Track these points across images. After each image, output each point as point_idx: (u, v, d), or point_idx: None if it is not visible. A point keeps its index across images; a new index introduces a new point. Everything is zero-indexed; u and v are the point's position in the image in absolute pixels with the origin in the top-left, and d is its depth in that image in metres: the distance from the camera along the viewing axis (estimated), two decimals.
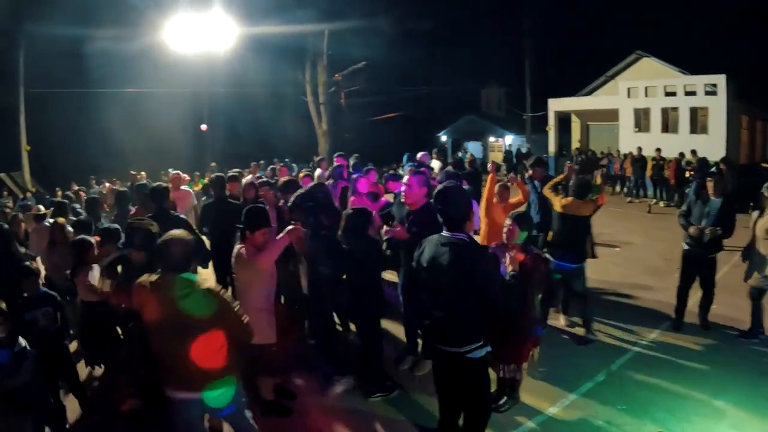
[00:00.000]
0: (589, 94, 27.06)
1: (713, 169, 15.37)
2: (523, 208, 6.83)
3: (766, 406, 4.49)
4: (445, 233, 3.38)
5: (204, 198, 10.07)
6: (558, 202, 6.02)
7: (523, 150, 27.04)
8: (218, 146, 24.64)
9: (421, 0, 24.12)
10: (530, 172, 7.06)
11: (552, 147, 26.13)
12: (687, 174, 15.55)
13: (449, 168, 8.20)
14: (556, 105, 26.19)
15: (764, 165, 14.73)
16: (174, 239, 3.15)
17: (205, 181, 11.20)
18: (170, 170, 12.30)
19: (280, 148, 24.32)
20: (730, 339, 5.93)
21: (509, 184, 6.96)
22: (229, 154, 23.28)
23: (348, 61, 23.52)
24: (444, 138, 37.94)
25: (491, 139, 36.79)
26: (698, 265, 6.06)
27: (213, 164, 17.56)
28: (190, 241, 3.24)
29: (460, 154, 21.54)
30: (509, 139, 34.80)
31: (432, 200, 3.65)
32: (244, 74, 23.81)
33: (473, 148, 36.35)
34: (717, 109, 19.83)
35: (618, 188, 20.03)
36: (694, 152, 16.55)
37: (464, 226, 3.38)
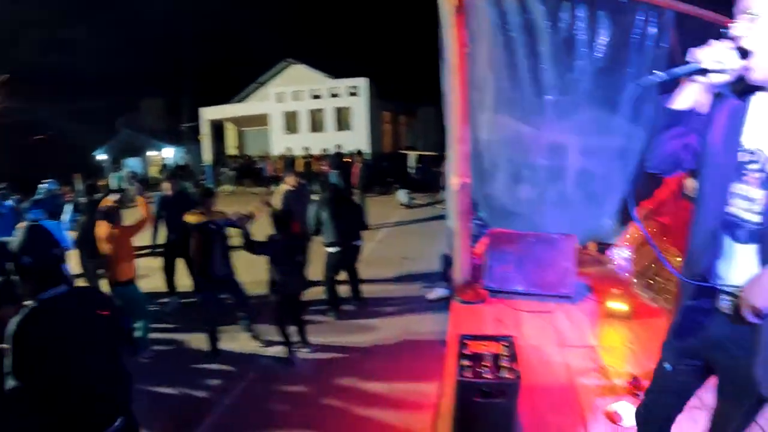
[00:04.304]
0: (242, 100, 27.05)
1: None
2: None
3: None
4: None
5: None
6: None
7: (181, 162, 25.17)
8: None
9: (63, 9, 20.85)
10: (166, 186, 6.46)
11: (207, 155, 25.07)
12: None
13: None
14: (209, 113, 25.51)
15: (403, 152, 16.34)
16: None
17: None
18: None
19: None
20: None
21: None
22: None
23: None
24: (102, 157, 33.52)
25: (151, 153, 33.91)
26: None
27: None
28: None
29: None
30: (168, 152, 32.45)
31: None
32: None
33: (134, 164, 33.16)
34: (359, 108, 21.71)
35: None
36: (338, 147, 17.41)
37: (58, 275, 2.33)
